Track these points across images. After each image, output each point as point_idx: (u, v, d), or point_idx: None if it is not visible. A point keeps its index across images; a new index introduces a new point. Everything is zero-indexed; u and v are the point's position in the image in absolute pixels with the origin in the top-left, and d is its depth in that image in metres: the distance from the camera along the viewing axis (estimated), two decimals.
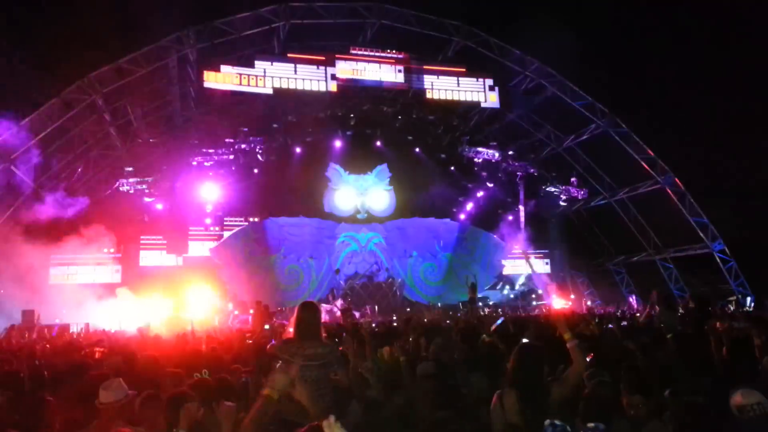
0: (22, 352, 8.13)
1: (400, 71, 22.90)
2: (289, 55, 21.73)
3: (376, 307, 21.72)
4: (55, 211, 18.45)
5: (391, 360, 5.60)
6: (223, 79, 20.81)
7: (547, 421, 2.56)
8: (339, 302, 21.53)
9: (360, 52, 22.58)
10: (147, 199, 23.21)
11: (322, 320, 4.69)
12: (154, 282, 21.00)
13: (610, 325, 9.00)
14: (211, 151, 24.01)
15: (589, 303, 26.36)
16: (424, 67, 23.36)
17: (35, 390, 5.05)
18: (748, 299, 22.58)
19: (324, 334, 4.46)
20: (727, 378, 4.55)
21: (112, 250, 22.92)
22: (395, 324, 13.54)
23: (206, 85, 20.65)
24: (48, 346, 10.37)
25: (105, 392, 3.78)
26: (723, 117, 21.77)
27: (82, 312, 18.21)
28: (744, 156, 21.49)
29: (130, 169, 22.69)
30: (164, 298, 18.16)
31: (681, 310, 10.26)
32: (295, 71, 21.60)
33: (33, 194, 19.81)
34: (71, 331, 15.99)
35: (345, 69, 22.21)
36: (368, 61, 22.59)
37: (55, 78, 17.70)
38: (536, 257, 28.50)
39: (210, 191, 23.96)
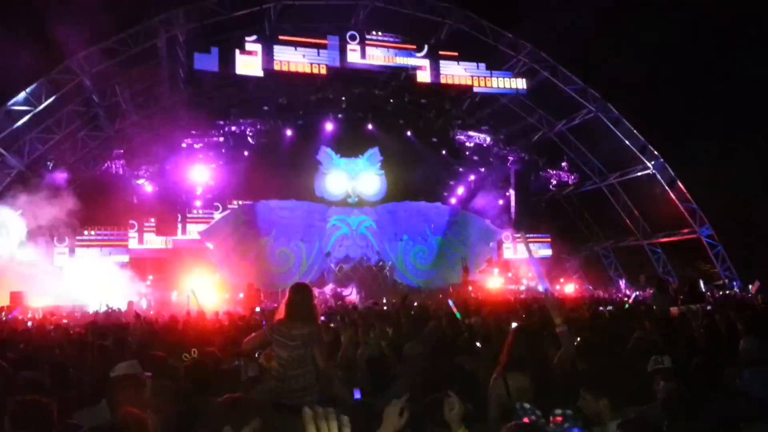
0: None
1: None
2: (280, 37, 21.48)
3: (363, 293, 21.63)
4: (43, 193, 18.30)
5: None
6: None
7: (517, 404, 2.57)
8: (330, 287, 21.58)
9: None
10: (136, 181, 23.08)
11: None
12: (148, 264, 21.05)
13: (600, 308, 9.11)
14: (200, 133, 23.87)
15: (590, 288, 26.47)
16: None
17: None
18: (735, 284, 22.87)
19: (318, 315, 4.52)
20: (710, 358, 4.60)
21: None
22: (385, 308, 13.60)
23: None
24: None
25: (119, 365, 3.80)
26: (714, 102, 21.85)
27: (73, 294, 18.18)
28: (734, 142, 21.65)
29: (119, 151, 22.53)
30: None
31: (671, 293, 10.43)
32: (287, 53, 21.36)
33: (20, 176, 19.64)
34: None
35: (354, 54, 21.99)
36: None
37: (42, 58, 17.43)
38: (535, 241, 28.63)
39: (200, 173, 23.84)
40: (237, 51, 20.46)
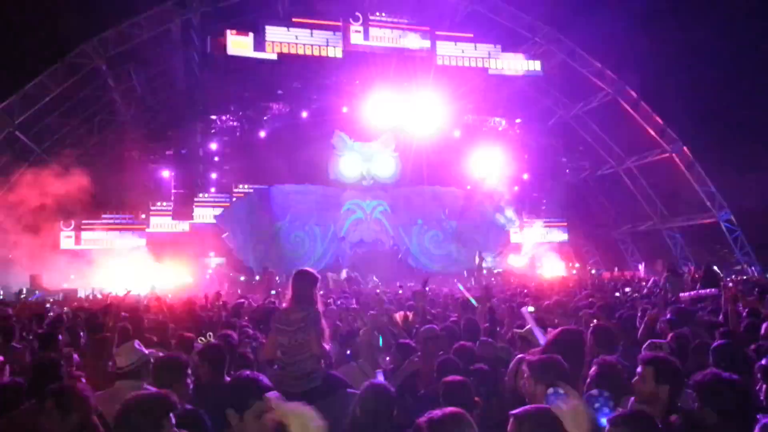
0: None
1: (425, 37, 22.51)
2: (294, 19, 21.37)
3: (375, 278, 21.58)
4: (60, 177, 18.43)
5: (405, 325, 5.63)
6: (238, 44, 20.53)
7: (551, 389, 2.52)
8: (345, 272, 21.60)
9: (383, 19, 22.20)
10: (152, 165, 23.22)
11: (328, 288, 4.70)
12: (165, 247, 21.19)
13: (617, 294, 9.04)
14: (215, 117, 23.92)
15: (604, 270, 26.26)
16: (445, 32, 22.93)
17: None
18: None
19: (319, 300, 4.42)
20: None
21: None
22: (400, 291, 13.59)
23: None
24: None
25: (119, 357, 3.81)
26: (732, 84, 21.46)
27: (90, 277, 18.39)
28: (753, 125, 21.28)
29: (135, 135, 22.63)
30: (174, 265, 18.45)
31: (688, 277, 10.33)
32: (300, 36, 21.25)
33: (38, 159, 19.81)
34: (79, 296, 16.16)
35: (357, 35, 21.82)
36: (392, 28, 22.24)
37: (58, 42, 17.51)
38: (552, 225, 28.47)
39: (215, 157, 23.93)
40: (228, 32, 20.36)
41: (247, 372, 2.92)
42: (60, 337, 5.70)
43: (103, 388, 3.74)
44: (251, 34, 20.48)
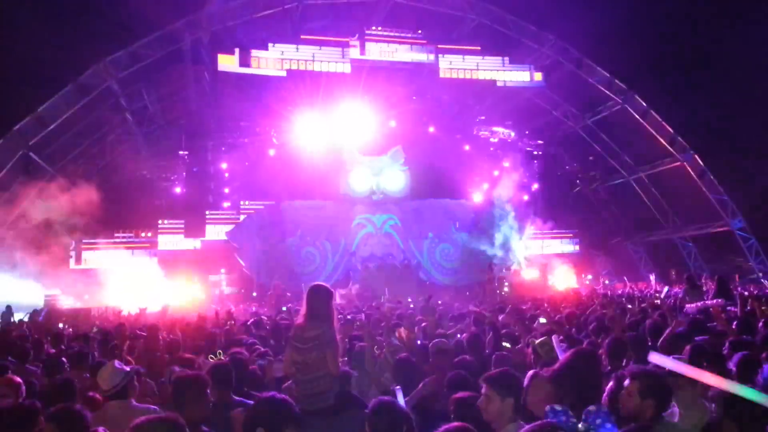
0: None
1: (422, 51, 22.66)
2: (302, 36, 21.60)
3: (387, 292, 21.45)
4: (72, 197, 18.61)
5: (408, 341, 5.59)
6: (238, 62, 20.81)
7: (548, 406, 2.50)
8: (356, 286, 21.56)
9: (378, 33, 22.37)
10: (164, 184, 23.42)
11: (338, 304, 4.66)
12: (177, 265, 21.28)
13: (629, 305, 8.95)
14: (226, 134, 24.11)
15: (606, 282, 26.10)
16: (443, 45, 23.07)
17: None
18: None
19: (335, 316, 4.36)
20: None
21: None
22: (411, 306, 13.56)
23: (220, 68, 20.64)
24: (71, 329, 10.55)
25: (102, 381, 3.83)
26: (743, 92, 21.30)
27: (103, 296, 18.46)
28: (765, 131, 21.09)
29: (147, 153, 22.86)
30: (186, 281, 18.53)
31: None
32: (309, 53, 21.48)
33: (51, 180, 20.01)
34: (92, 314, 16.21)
35: (365, 50, 22.02)
36: (387, 42, 22.41)
37: (70, 63, 17.77)
38: (562, 236, 28.32)
39: (226, 174, 24.12)
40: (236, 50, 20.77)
41: (280, 395, 2.90)
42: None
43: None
44: (237, 51, 20.83)
